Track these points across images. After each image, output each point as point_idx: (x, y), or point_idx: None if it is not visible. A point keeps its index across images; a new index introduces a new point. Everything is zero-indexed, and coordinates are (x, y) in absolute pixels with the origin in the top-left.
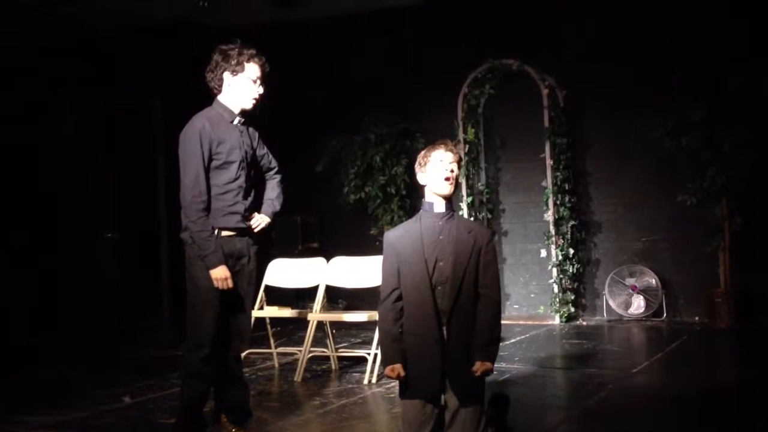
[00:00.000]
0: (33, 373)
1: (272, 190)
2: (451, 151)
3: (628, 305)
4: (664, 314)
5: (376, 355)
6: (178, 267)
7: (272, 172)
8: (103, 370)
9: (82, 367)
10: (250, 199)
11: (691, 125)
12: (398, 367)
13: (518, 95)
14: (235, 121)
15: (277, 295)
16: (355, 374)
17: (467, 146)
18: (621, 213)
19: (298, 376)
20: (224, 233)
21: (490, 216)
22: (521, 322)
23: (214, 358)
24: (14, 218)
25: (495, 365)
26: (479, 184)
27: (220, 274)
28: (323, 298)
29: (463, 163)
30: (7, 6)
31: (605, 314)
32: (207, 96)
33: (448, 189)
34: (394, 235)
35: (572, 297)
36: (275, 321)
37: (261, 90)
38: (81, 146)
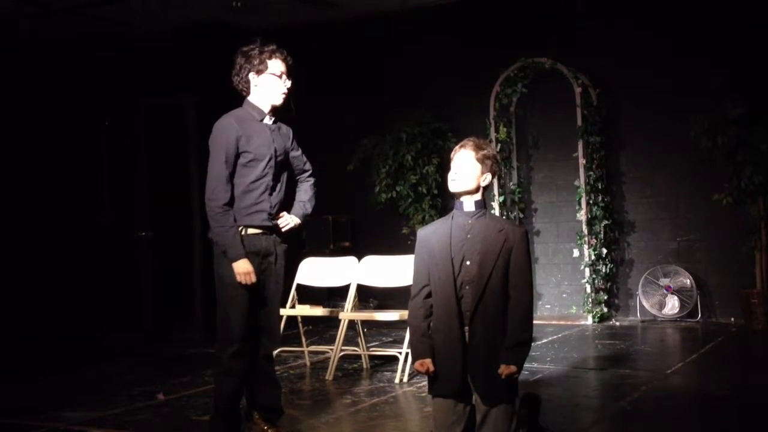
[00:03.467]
0: (72, 371)
1: (305, 193)
2: (463, 146)
3: (662, 306)
4: (699, 315)
5: (407, 354)
6: (210, 265)
7: (306, 174)
8: (138, 368)
9: (118, 365)
10: (278, 197)
11: (728, 124)
12: (428, 362)
13: (551, 94)
14: (265, 120)
15: (308, 294)
16: (386, 373)
17: (499, 145)
18: (655, 212)
19: (329, 375)
20: (250, 231)
21: (522, 215)
22: (553, 322)
23: (244, 353)
24: (55, 218)
25: (527, 365)
26: (511, 183)
27: (241, 267)
28: (354, 297)
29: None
30: (55, 10)
31: (639, 315)
32: (239, 95)
33: (451, 187)
34: (425, 233)
35: (605, 297)
36: (307, 319)
37: (288, 84)
38: (118, 146)
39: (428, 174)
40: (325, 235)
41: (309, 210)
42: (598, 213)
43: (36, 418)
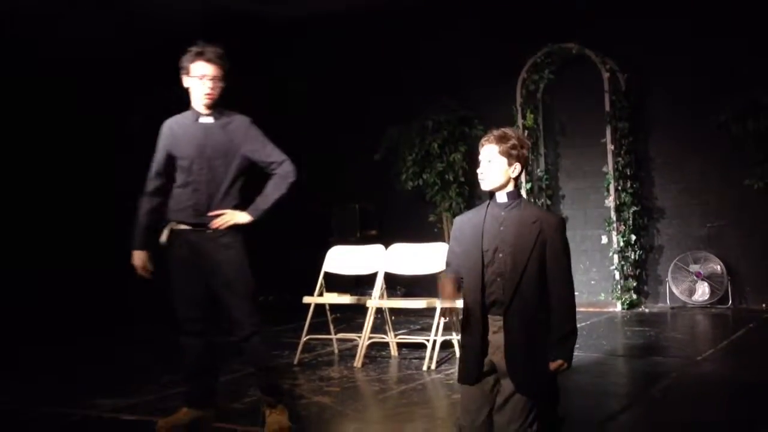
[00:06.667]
0: (103, 361)
1: (268, 186)
2: (487, 140)
3: (692, 292)
4: (730, 301)
5: (434, 341)
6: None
7: (273, 167)
8: (167, 356)
9: (148, 354)
10: (215, 196)
11: (759, 108)
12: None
13: (578, 80)
14: (201, 120)
15: (336, 282)
16: (414, 360)
17: (526, 132)
18: (685, 198)
19: (357, 362)
20: (180, 226)
21: (549, 202)
22: (582, 309)
23: (192, 333)
24: (90, 217)
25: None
26: (538, 170)
27: (134, 259)
28: (382, 284)
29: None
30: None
31: (668, 301)
32: (258, 91)
33: (481, 185)
34: (460, 220)
35: (634, 284)
36: (335, 307)
37: (209, 85)
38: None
39: (455, 161)
40: (352, 223)
41: (264, 206)
42: (626, 199)
43: (70, 406)
